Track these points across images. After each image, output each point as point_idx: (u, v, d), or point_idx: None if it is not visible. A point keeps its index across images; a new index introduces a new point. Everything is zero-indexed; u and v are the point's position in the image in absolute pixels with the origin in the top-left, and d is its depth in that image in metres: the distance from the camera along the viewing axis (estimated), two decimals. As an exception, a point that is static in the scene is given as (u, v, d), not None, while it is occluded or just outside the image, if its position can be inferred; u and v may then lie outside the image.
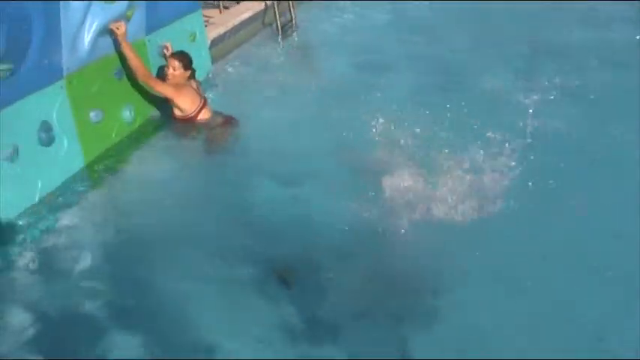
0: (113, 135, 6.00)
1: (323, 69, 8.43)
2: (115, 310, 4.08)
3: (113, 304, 4.14)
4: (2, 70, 4.63)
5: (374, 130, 5.94)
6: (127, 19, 6.05)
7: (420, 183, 5.22)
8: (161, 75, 6.51)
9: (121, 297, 4.21)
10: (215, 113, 6.56)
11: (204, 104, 6.47)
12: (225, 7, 9.65)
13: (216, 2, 9.47)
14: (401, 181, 5.24)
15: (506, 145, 5.59)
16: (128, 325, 3.99)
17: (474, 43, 8.89)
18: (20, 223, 4.83)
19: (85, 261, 4.52)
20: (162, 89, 6.27)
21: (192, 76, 6.60)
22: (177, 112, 6.36)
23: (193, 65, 6.63)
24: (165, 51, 6.63)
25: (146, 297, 4.21)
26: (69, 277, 4.39)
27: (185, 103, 6.32)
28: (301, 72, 8.35)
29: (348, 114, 6.53)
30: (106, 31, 5.77)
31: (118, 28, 5.82)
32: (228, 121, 6.56)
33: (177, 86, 6.36)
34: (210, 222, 5.02)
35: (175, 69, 6.37)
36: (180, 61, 6.41)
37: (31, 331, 3.93)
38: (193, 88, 6.53)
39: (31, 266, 4.51)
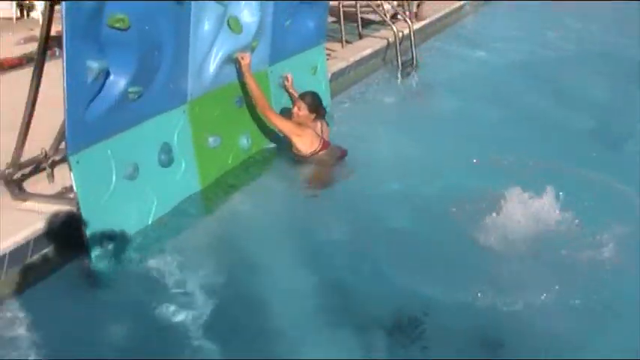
0: (229, 161, 6.13)
1: (441, 108, 8.36)
2: (218, 336, 4.12)
3: (216, 330, 4.18)
4: (132, 93, 4.82)
5: (491, 172, 5.80)
6: (252, 49, 6.21)
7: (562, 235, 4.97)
8: (286, 112, 6.55)
9: (224, 324, 4.25)
10: (333, 149, 6.43)
11: (324, 147, 6.33)
12: (348, 42, 9.80)
13: (338, 36, 9.62)
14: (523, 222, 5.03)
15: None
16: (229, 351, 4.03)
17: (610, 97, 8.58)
18: (134, 240, 4.98)
19: (190, 285, 4.58)
20: (281, 125, 6.28)
21: (319, 118, 6.48)
22: (293, 149, 6.33)
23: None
24: (285, 82, 6.74)
25: (249, 326, 4.23)
26: (171, 299, 4.45)
27: (302, 144, 6.24)
28: (418, 110, 8.35)
29: (463, 155, 6.43)
30: (231, 60, 5.94)
31: (242, 59, 5.95)
32: (344, 155, 6.46)
33: (298, 125, 6.29)
34: (321, 256, 5.00)
35: (300, 109, 6.32)
36: (306, 102, 6.35)
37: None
38: (315, 131, 6.37)
39: (138, 284, 4.62)
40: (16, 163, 5.26)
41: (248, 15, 6.03)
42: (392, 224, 5.41)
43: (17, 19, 15.69)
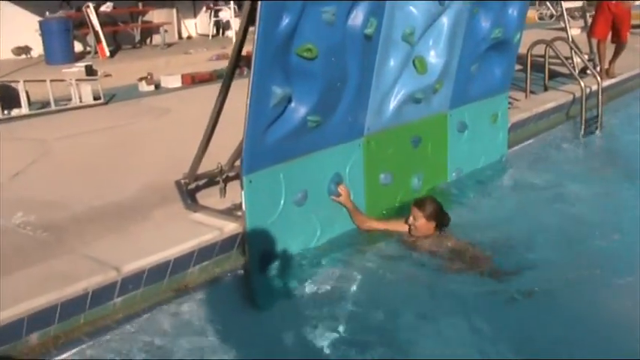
0: (397, 200, 6.06)
1: (622, 174, 7.80)
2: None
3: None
4: (311, 121, 4.88)
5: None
6: (434, 91, 6.14)
7: None
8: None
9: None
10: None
11: None
12: (532, 92, 9.51)
13: (523, 86, 9.37)
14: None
15: None
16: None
17: None
18: (294, 265, 5.01)
19: (337, 313, 4.57)
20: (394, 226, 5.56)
21: (441, 228, 5.47)
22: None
23: (487, 144, 6.41)
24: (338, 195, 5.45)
25: None
26: (317, 324, 4.44)
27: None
28: (596, 174, 7.86)
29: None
30: (411, 100, 5.89)
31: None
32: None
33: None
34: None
35: (416, 219, 5.38)
36: (421, 210, 5.39)
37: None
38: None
39: (291, 306, 4.66)
40: (193, 174, 5.49)
41: (434, 56, 5.97)
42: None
43: (213, 36, 16.62)
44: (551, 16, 20.80)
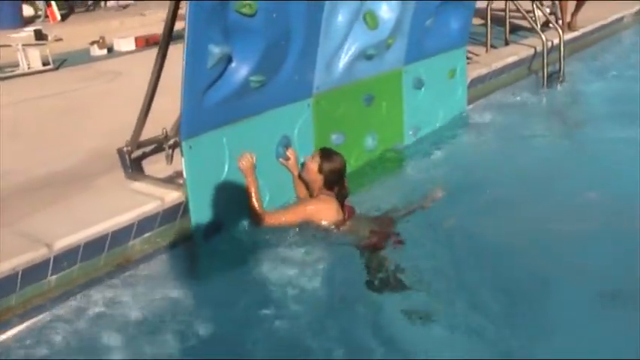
0: (352, 161, 5.83)
1: (583, 128, 7.68)
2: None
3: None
4: (254, 82, 4.63)
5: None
6: (387, 46, 5.91)
7: None
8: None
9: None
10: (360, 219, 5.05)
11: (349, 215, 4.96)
12: (493, 47, 9.32)
13: (483, 40, 9.18)
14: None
15: None
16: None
17: None
18: (240, 233, 4.82)
19: (284, 282, 4.36)
20: (291, 217, 4.84)
21: (329, 187, 4.90)
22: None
23: (445, 101, 6.24)
24: (286, 158, 5.19)
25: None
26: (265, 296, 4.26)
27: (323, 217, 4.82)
28: (558, 127, 7.76)
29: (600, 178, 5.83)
30: (362, 56, 5.66)
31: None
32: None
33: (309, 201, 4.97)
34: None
35: (311, 160, 4.95)
36: (321, 156, 4.92)
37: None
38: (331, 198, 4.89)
39: (234, 276, 4.48)
40: (135, 141, 5.22)
41: (386, 10, 5.73)
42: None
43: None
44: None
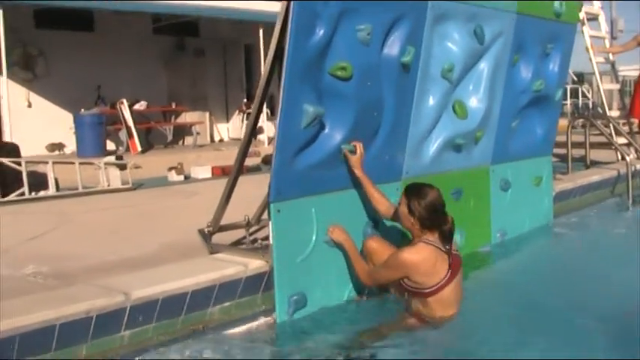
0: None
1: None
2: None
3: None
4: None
5: None
6: (476, 140, 5.80)
7: None
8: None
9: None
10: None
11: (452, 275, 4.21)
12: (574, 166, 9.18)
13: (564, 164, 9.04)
14: None
15: None
16: None
17: None
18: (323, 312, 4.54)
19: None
20: (387, 274, 4.32)
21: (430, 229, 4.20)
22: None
23: (532, 208, 6.03)
24: (352, 153, 4.58)
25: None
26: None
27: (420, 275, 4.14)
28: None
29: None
30: (451, 145, 5.54)
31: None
32: None
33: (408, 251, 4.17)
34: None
35: (400, 204, 4.31)
36: (406, 194, 4.27)
37: None
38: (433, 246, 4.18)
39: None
40: (217, 222, 5.11)
41: (475, 102, 5.68)
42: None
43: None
44: (583, 125, 20.53)
